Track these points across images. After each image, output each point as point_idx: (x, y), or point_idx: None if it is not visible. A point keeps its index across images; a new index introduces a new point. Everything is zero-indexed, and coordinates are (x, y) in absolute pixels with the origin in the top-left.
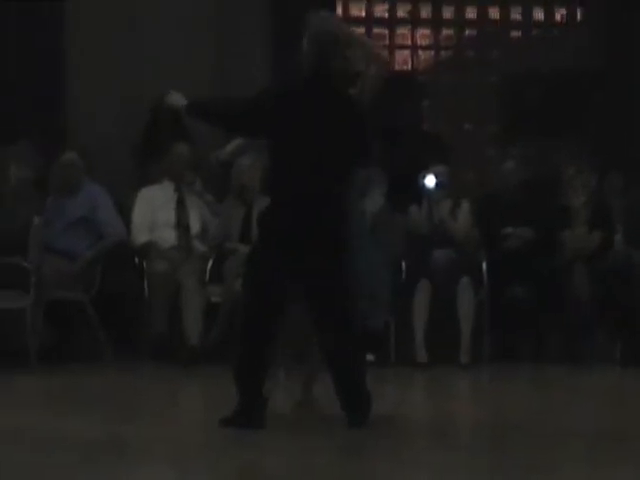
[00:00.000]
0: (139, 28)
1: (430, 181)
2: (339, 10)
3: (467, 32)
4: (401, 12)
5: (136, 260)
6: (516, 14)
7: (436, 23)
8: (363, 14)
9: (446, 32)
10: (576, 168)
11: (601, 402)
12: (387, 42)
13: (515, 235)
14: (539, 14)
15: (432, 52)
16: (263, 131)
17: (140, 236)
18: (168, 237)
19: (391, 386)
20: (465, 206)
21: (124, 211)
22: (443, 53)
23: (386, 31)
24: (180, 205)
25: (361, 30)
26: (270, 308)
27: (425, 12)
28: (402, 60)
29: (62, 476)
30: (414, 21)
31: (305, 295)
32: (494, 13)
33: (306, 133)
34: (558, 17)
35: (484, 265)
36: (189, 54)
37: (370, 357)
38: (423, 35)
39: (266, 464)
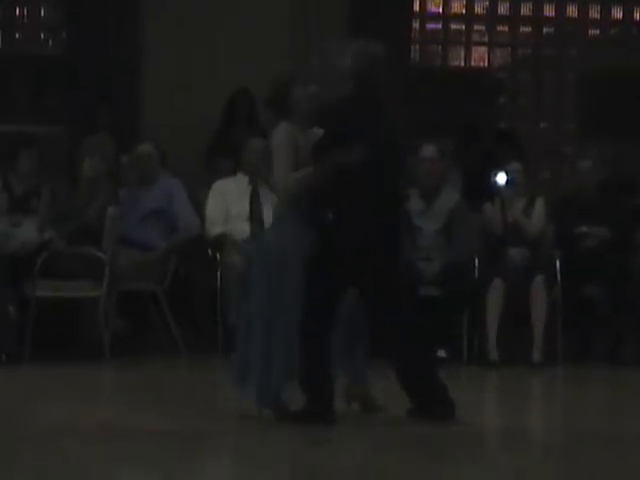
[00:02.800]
0: (214, 23)
1: (501, 179)
2: (416, 7)
3: (545, 30)
4: (479, 9)
5: (210, 252)
6: (594, 12)
7: (514, 20)
8: (440, 10)
9: (524, 29)
10: None
11: None
12: (464, 38)
13: (590, 234)
14: (618, 12)
15: (509, 49)
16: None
17: (214, 228)
18: (242, 229)
19: (463, 385)
20: (539, 204)
21: (197, 204)
22: (520, 50)
23: (463, 27)
24: (254, 198)
25: (438, 26)
26: (335, 307)
27: (503, 9)
28: (479, 57)
29: (134, 467)
30: (491, 18)
31: (369, 293)
32: (572, 11)
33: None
34: (637, 16)
35: (558, 264)
36: (265, 48)
37: (442, 353)
38: (500, 32)
39: (337, 464)
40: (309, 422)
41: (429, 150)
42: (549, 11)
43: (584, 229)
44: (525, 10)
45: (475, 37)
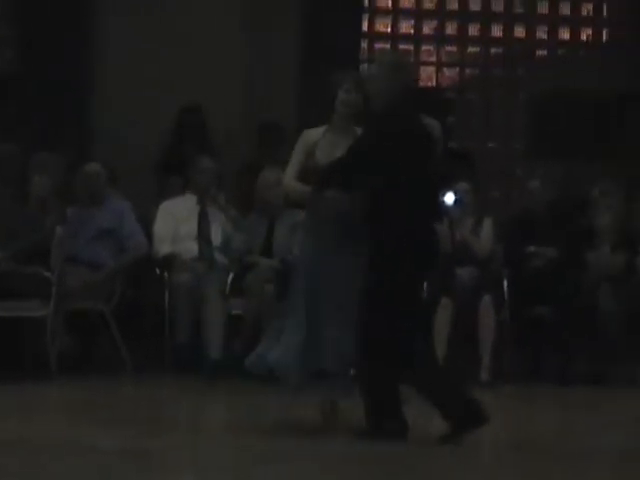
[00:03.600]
0: (166, 41)
1: (450, 198)
2: (365, 26)
3: (493, 50)
4: (427, 29)
5: (158, 271)
6: (542, 33)
7: (462, 40)
8: (389, 30)
9: (472, 49)
10: (602, 189)
11: (625, 423)
12: (412, 58)
13: (538, 254)
14: (565, 33)
15: (457, 69)
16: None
17: (162, 247)
18: (190, 249)
19: (411, 403)
20: (487, 224)
21: (148, 223)
22: (469, 70)
23: (411, 47)
24: (202, 218)
25: (386, 46)
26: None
27: (451, 29)
28: (427, 77)
29: None
30: (440, 38)
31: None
32: (520, 32)
33: None
34: (584, 37)
35: (506, 283)
36: (217, 68)
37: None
38: (449, 52)
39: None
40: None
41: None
42: (497, 32)
43: (532, 249)
44: (473, 30)
45: (423, 57)
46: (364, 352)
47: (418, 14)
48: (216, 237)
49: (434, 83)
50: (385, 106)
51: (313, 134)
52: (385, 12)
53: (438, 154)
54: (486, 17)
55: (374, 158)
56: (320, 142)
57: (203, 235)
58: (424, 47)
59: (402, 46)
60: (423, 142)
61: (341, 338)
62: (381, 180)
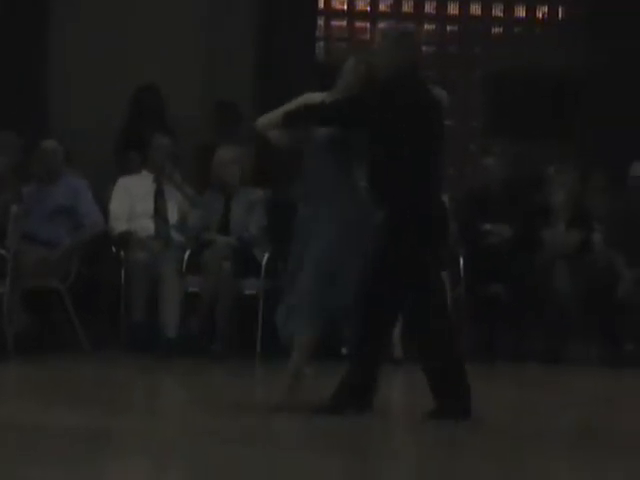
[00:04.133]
0: (123, 18)
1: None
2: (321, 4)
3: (449, 28)
4: (383, 6)
5: (114, 249)
6: (498, 11)
7: (418, 18)
8: (345, 7)
9: (428, 27)
10: (557, 168)
11: (578, 401)
12: (369, 36)
13: (493, 232)
14: (521, 11)
15: None
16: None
17: (118, 225)
18: (146, 227)
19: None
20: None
21: (103, 201)
22: (425, 48)
23: (368, 25)
24: (159, 196)
25: (342, 24)
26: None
27: (407, 7)
28: None
29: (38, 465)
30: (396, 15)
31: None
32: (476, 9)
33: None
34: (539, 15)
35: (462, 261)
36: (175, 43)
37: (345, 350)
38: None
39: (250, 457)
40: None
41: None
42: (453, 9)
43: (487, 227)
44: (429, 8)
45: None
46: (362, 326)
47: None
48: (172, 215)
49: None
50: (391, 78)
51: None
52: None
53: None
54: None
55: (371, 123)
56: None
57: (159, 213)
58: (380, 25)
59: (358, 24)
60: (431, 113)
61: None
62: (383, 151)
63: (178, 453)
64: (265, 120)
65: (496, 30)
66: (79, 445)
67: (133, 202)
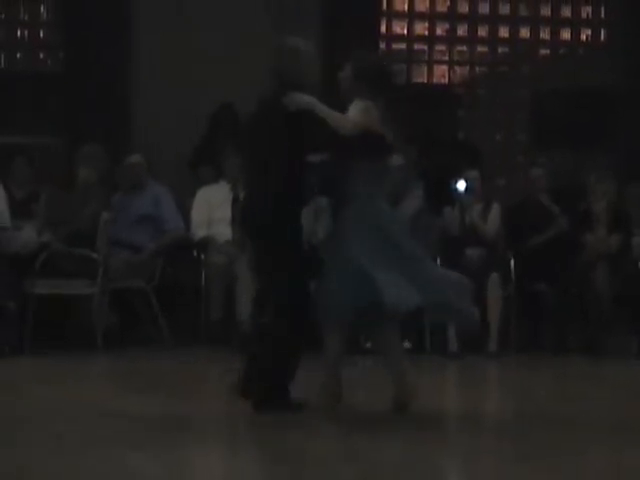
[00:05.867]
0: (203, 40)
1: (461, 185)
2: (383, 28)
3: (500, 49)
4: (439, 30)
5: (195, 253)
6: (545, 34)
7: (472, 41)
8: (405, 32)
9: (481, 49)
10: (598, 177)
11: (618, 392)
12: (427, 57)
13: (540, 237)
14: (566, 34)
15: (468, 67)
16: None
17: (199, 231)
18: (224, 232)
19: (426, 374)
20: (495, 209)
21: (183, 210)
22: (478, 68)
23: (426, 47)
24: (235, 203)
25: (402, 46)
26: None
27: (462, 31)
28: (440, 74)
29: (122, 449)
30: (452, 39)
31: None
32: (525, 33)
33: None
34: (583, 37)
35: (512, 263)
36: (247, 67)
37: (407, 345)
38: (460, 51)
39: (315, 447)
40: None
41: (394, 158)
42: (504, 33)
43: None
44: (482, 32)
45: (437, 56)
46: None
47: (431, 17)
48: None
49: (446, 80)
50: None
51: None
52: (401, 15)
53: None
54: (493, 19)
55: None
56: None
57: (235, 219)
58: (437, 47)
59: (417, 46)
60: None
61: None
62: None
63: (252, 440)
64: (300, 100)
65: (543, 51)
66: (160, 431)
67: (212, 210)
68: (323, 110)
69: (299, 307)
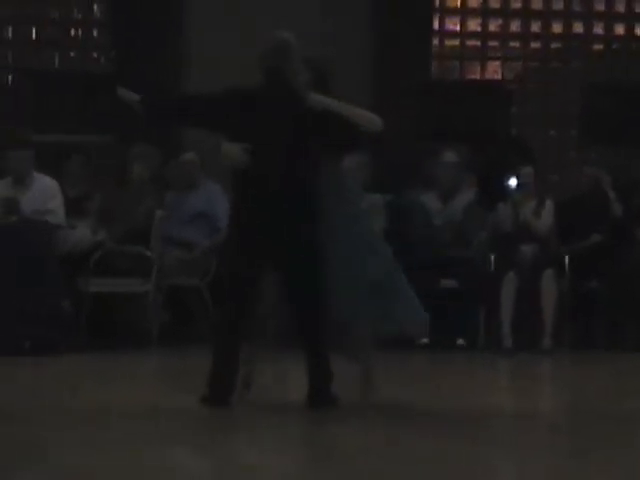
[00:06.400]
0: (255, 33)
1: (514, 182)
2: (435, 24)
3: (552, 45)
4: (493, 26)
5: None
6: (598, 28)
7: (525, 36)
8: (458, 28)
9: (534, 45)
10: None
11: None
12: (480, 53)
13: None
14: (619, 29)
15: (520, 63)
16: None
17: None
18: None
19: (480, 370)
20: (549, 205)
21: None
22: (530, 64)
23: (479, 43)
24: None
25: (455, 42)
26: (244, 295)
27: (515, 27)
28: (493, 70)
29: (172, 444)
30: (504, 34)
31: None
32: (578, 27)
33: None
34: (638, 32)
35: (566, 259)
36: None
37: (461, 341)
38: (512, 47)
39: (352, 443)
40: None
41: (447, 155)
42: (556, 28)
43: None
44: (535, 27)
45: (490, 52)
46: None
47: (485, 13)
48: None
49: (499, 76)
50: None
51: None
52: (454, 11)
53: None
54: (546, 15)
55: None
56: None
57: None
58: (490, 43)
59: (470, 42)
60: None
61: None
62: None
63: (300, 436)
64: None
65: (596, 47)
66: (211, 428)
67: None
68: (349, 109)
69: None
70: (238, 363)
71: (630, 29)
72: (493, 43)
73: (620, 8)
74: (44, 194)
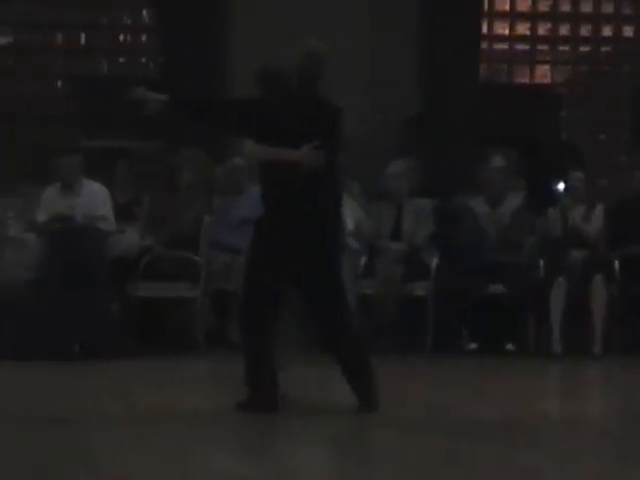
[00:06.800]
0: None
1: (562, 186)
2: (484, 29)
3: (602, 49)
4: (542, 30)
5: None
6: None
7: (574, 40)
8: (507, 32)
9: (583, 48)
10: None
11: None
12: (528, 57)
13: None
14: None
15: (570, 67)
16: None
17: None
18: None
19: (529, 375)
20: (599, 210)
21: None
22: (580, 68)
23: (528, 47)
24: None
25: (504, 46)
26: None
27: (564, 30)
28: (542, 74)
29: (217, 449)
30: (554, 38)
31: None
32: (628, 31)
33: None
34: None
35: (616, 264)
36: (342, 65)
37: (510, 347)
38: (561, 51)
39: (413, 447)
40: (252, 410)
41: (495, 160)
42: (607, 32)
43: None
44: (584, 31)
45: (539, 56)
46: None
47: (534, 16)
48: (349, 223)
49: (549, 80)
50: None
51: None
52: (503, 15)
53: None
54: (596, 18)
55: None
56: None
57: None
58: (539, 47)
59: (519, 46)
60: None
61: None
62: None
63: (354, 439)
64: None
65: None
66: (258, 433)
67: None
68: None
69: None
70: (272, 367)
71: None
72: (542, 47)
73: None
74: (94, 200)
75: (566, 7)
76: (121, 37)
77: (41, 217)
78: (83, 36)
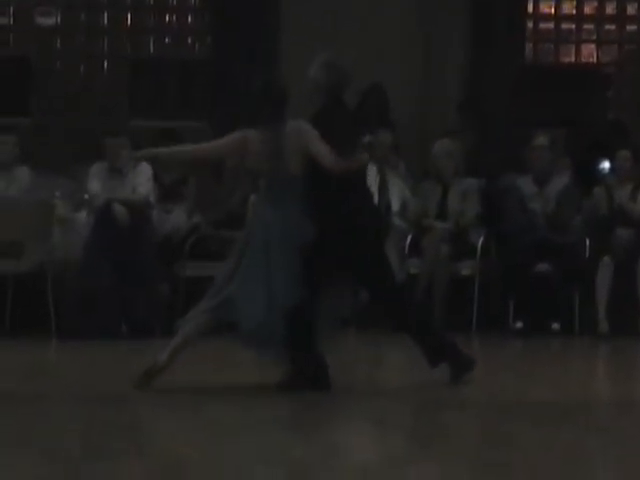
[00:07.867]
0: (351, 22)
1: (606, 165)
2: (530, 8)
3: None
4: (588, 9)
5: None
6: None
7: (621, 19)
8: (552, 11)
9: (630, 27)
10: None
11: None
12: (574, 37)
13: None
14: None
15: (616, 46)
16: None
17: None
18: None
19: (576, 355)
20: None
21: None
22: (627, 47)
23: (573, 26)
24: (382, 185)
25: (550, 26)
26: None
27: (610, 9)
28: (588, 54)
29: (272, 431)
30: (600, 17)
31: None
32: None
33: None
34: None
35: None
36: (394, 52)
37: (556, 326)
38: (608, 30)
39: (463, 429)
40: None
41: (541, 139)
42: None
43: None
44: (631, 9)
45: (584, 35)
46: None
47: None
48: (395, 203)
49: (595, 60)
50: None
51: None
52: None
53: None
54: None
55: None
56: None
57: (383, 201)
58: (585, 26)
59: (565, 25)
60: None
61: None
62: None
63: (403, 423)
64: None
65: None
66: (313, 415)
67: None
68: None
69: None
70: (320, 346)
71: None
72: (588, 26)
73: None
74: (138, 179)
75: None
76: (167, 17)
77: (92, 188)
78: (129, 16)
